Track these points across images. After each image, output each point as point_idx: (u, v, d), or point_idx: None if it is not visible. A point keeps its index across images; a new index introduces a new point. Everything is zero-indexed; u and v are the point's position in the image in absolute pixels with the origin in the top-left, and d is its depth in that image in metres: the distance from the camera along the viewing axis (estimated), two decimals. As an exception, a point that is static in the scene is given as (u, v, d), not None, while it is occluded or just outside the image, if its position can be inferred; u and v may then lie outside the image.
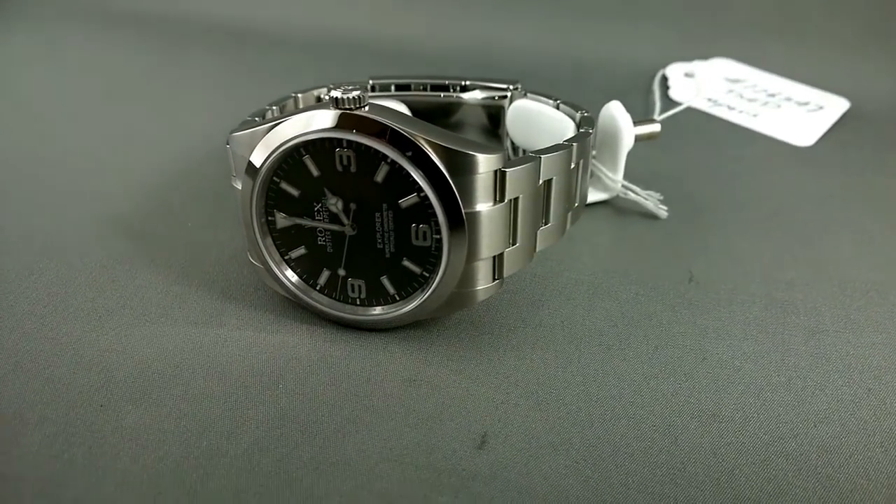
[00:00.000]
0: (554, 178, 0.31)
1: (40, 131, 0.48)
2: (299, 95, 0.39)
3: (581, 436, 0.27)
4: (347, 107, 0.27)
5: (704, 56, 0.60)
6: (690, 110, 0.52)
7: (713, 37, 0.62)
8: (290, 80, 0.55)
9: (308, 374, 0.29)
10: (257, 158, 0.28)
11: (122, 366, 0.29)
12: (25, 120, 0.49)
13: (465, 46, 0.62)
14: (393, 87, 0.41)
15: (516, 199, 0.29)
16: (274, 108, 0.37)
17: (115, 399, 0.28)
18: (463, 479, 0.25)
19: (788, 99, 0.55)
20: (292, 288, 0.31)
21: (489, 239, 0.28)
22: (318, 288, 0.31)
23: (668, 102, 0.54)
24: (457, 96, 0.41)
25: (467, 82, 0.41)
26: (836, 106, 0.54)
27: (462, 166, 0.27)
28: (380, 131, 0.27)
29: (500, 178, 0.28)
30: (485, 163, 0.27)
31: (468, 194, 0.27)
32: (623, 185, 0.40)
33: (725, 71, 0.59)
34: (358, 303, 0.31)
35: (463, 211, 0.27)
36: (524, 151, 0.42)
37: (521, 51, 0.61)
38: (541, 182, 0.30)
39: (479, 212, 0.28)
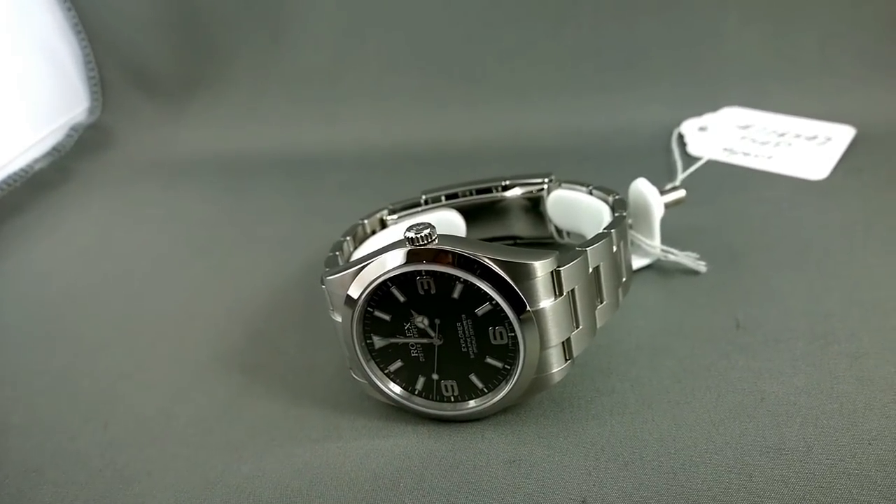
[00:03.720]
0: (601, 264, 0.35)
1: (134, 287, 0.54)
2: (365, 221, 0.45)
3: (667, 487, 0.31)
4: (421, 244, 0.32)
5: (714, 108, 0.65)
6: (710, 163, 0.56)
7: (718, 88, 0.67)
8: (344, 198, 0.61)
9: (422, 470, 0.34)
10: (354, 292, 0.34)
11: (265, 488, 0.34)
12: (120, 278, 0.55)
13: (493, 138, 0.68)
14: (443, 198, 0.47)
15: (573, 290, 0.34)
16: (348, 238, 0.43)
17: (266, 518, 0.33)
18: (573, 540, 0.30)
19: (798, 136, 0.59)
20: (395, 397, 0.36)
21: (556, 328, 0.33)
22: (416, 393, 0.36)
23: (689, 159, 0.58)
24: (500, 195, 0.47)
25: (507, 182, 0.47)
26: (843, 134, 0.58)
27: (523, 274, 0.32)
28: (449, 258, 0.32)
29: (556, 276, 0.33)
30: (541, 267, 0.32)
31: (532, 295, 0.32)
32: (662, 249, 0.45)
33: (736, 119, 0.63)
34: (452, 400, 0.36)
35: (530, 310, 0.32)
36: (568, 233, 0.47)
37: (544, 133, 0.67)
38: (590, 270, 0.35)
39: (543, 308, 0.32)
